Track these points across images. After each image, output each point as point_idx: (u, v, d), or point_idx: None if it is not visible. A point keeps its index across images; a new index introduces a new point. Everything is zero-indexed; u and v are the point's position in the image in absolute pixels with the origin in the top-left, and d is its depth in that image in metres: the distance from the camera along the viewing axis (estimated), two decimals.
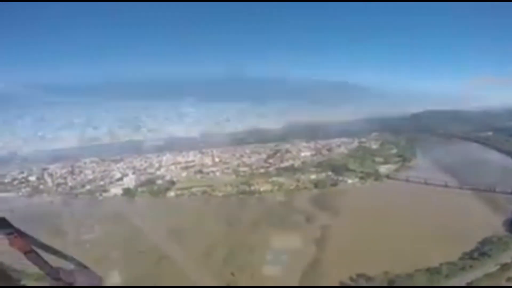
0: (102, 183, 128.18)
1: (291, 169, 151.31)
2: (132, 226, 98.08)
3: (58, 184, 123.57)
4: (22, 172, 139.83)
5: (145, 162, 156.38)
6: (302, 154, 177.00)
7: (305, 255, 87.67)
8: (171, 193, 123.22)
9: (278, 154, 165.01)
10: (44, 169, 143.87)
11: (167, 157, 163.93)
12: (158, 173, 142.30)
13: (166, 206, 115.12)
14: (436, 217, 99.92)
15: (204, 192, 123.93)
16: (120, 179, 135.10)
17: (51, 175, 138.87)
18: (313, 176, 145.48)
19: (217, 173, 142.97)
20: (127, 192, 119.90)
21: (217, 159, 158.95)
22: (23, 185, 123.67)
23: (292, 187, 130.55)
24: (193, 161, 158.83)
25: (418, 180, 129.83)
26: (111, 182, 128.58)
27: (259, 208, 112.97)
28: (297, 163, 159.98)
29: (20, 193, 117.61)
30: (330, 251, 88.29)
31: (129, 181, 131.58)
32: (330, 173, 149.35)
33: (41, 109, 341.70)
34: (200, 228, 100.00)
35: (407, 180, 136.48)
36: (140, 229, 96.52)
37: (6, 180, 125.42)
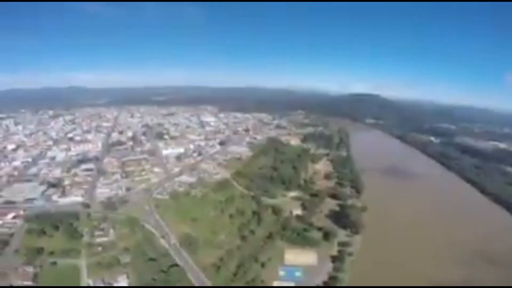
0: (126, 186, 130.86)
1: (309, 181, 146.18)
2: (146, 230, 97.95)
3: (86, 189, 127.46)
4: (52, 173, 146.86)
5: (167, 167, 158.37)
6: (317, 166, 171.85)
7: None
8: (191, 197, 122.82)
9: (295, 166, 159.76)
10: (72, 171, 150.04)
11: (188, 164, 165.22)
12: (180, 178, 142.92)
13: (185, 208, 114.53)
14: None
15: (220, 201, 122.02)
16: (143, 182, 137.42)
17: (78, 176, 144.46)
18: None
19: (235, 182, 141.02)
20: (149, 195, 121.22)
21: (235, 169, 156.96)
22: (53, 187, 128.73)
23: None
24: (213, 168, 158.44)
25: None
26: (133, 187, 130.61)
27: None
28: (316, 177, 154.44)
29: (49, 195, 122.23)
30: None
31: (152, 185, 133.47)
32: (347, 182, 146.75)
33: (73, 111, 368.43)
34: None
35: None
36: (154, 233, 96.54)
37: (36, 183, 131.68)
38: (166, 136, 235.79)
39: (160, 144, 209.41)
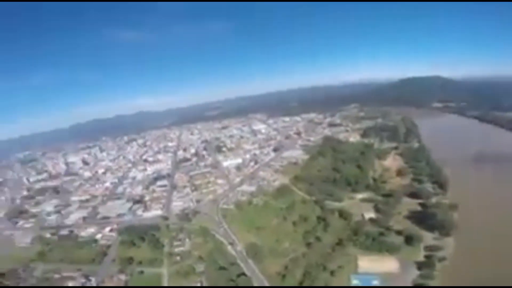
0: (196, 198, 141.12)
1: (379, 180, 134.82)
2: (217, 239, 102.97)
3: (163, 203, 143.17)
4: (135, 191, 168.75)
5: (229, 178, 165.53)
6: (386, 163, 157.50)
7: None
8: (253, 205, 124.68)
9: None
10: (150, 188, 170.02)
11: (247, 173, 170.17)
12: (242, 188, 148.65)
13: (249, 217, 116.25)
14: None
15: (281, 208, 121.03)
16: (210, 193, 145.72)
17: (156, 192, 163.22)
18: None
19: (294, 188, 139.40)
20: (216, 206, 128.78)
21: (293, 174, 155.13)
22: (137, 203, 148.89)
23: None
24: (271, 175, 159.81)
25: None
26: (202, 199, 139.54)
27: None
28: (387, 174, 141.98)
29: (135, 210, 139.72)
30: None
31: (218, 196, 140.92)
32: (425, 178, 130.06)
33: (143, 135, 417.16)
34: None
35: None
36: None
37: (124, 200, 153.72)
38: (224, 149, 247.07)
39: (220, 156, 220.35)
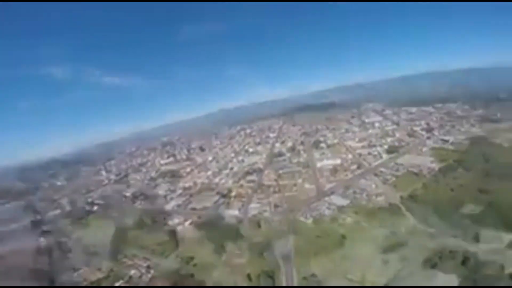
0: (275, 202, 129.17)
1: None
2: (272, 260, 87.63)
3: (243, 202, 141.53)
4: (226, 184, 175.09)
5: (319, 183, 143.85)
6: None
7: None
8: (338, 224, 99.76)
9: None
10: (240, 182, 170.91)
11: (343, 179, 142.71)
12: (331, 198, 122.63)
13: (326, 239, 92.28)
14: None
15: (375, 237, 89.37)
16: (291, 199, 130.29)
17: (243, 188, 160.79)
18: None
19: (404, 210, 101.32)
20: (293, 216, 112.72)
21: (409, 189, 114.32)
22: (223, 198, 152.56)
23: None
24: (376, 187, 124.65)
25: None
26: (281, 205, 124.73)
27: None
28: None
29: (218, 205, 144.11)
30: None
31: (299, 204, 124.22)
32: None
33: (253, 124, 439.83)
34: None
35: None
36: None
37: (214, 192, 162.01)
38: (322, 145, 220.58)
39: (316, 154, 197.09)
